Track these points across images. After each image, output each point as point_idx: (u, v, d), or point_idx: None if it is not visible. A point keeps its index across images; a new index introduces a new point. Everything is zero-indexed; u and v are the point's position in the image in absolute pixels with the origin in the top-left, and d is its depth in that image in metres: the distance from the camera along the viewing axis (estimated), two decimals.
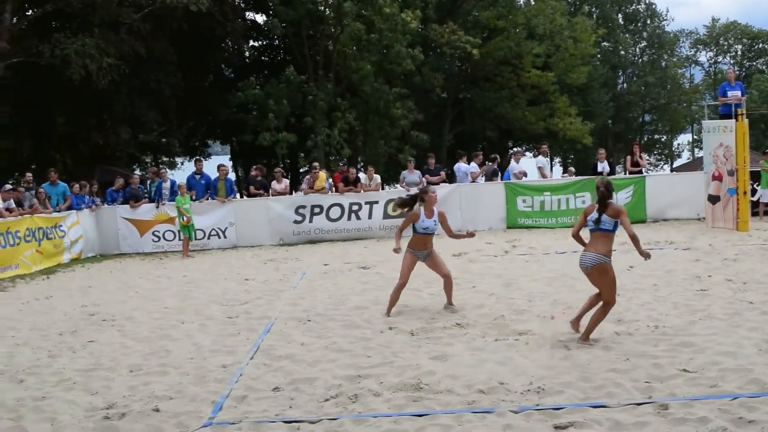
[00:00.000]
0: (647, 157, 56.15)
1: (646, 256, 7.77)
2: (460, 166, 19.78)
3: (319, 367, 7.37)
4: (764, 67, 65.71)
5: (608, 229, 7.66)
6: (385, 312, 9.59)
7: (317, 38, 32.43)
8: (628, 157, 19.88)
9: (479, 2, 39.40)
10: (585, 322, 7.93)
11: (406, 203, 9.85)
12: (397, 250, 9.55)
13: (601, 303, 7.82)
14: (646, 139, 59.43)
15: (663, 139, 62.22)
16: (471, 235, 9.84)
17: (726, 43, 69.29)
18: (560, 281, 11.20)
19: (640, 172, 19.50)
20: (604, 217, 7.62)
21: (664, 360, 6.94)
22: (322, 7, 31.94)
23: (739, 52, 69.57)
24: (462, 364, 7.17)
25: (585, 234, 7.91)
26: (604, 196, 7.63)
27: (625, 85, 57.09)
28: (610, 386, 6.32)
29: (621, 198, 18.09)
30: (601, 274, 7.71)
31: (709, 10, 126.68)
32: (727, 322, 8.20)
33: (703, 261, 12.45)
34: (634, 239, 7.65)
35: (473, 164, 19.91)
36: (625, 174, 20.08)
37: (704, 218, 17.50)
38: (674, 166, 61.30)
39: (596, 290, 7.96)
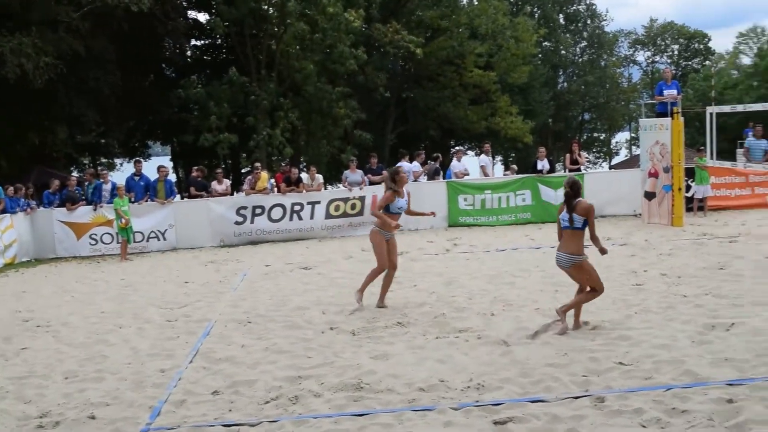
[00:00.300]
0: (586, 155, 57.05)
1: (603, 252, 8.07)
2: (403, 165, 19.83)
3: (259, 369, 7.31)
4: (699, 67, 67.36)
5: (579, 228, 7.89)
6: (358, 293, 9.74)
7: (260, 37, 32.21)
8: (568, 155, 20.15)
9: (423, 2, 39.61)
10: (585, 317, 8.22)
11: (389, 185, 9.84)
12: (397, 226, 9.76)
13: (589, 288, 8.09)
14: (585, 137, 60.50)
15: (602, 137, 63.42)
16: (432, 214, 10.45)
17: (663, 43, 70.97)
18: (500, 278, 11.30)
19: (579, 169, 19.77)
20: (575, 215, 7.85)
21: (601, 354, 7.05)
22: (266, 6, 31.72)
23: (676, 52, 71.27)
24: (403, 362, 7.18)
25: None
26: (569, 195, 7.93)
27: (565, 84, 57.98)
28: (548, 381, 6.40)
29: (560, 195, 18.26)
30: (578, 271, 7.98)
31: (648, 11, 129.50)
32: (661, 315, 8.37)
33: (639, 256, 12.69)
34: (594, 238, 7.90)
35: (415, 163, 19.97)
36: (565, 172, 20.35)
37: (641, 214, 17.84)
38: (612, 163, 62.51)
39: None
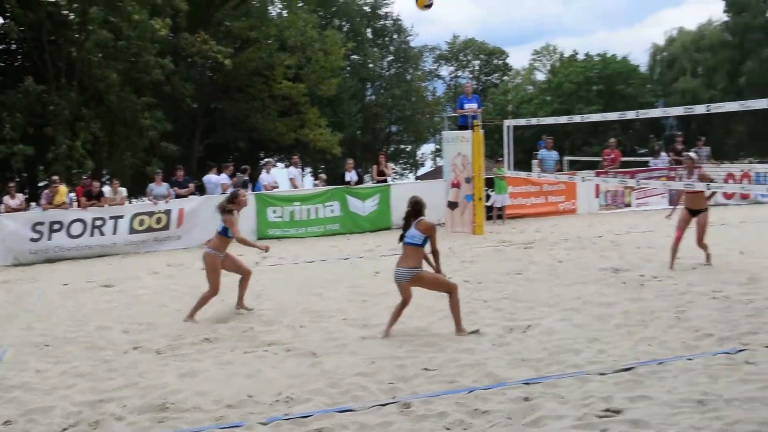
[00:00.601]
0: (393, 166, 58.57)
1: (437, 271, 8.34)
2: (210, 178, 19.52)
3: (56, 394, 6.89)
4: (498, 82, 70.94)
5: (417, 244, 8.05)
6: (188, 318, 9.57)
7: (60, 44, 30.51)
8: (375, 167, 20.59)
9: (231, 12, 39.09)
10: (398, 327, 8.34)
11: (228, 207, 9.79)
12: (267, 248, 10.04)
13: (448, 296, 8.22)
14: (392, 148, 61.92)
15: (408, 149, 65.14)
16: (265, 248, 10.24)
17: (465, 58, 74.09)
18: (309, 290, 11.35)
19: (386, 181, 20.27)
20: (413, 231, 8.03)
21: (407, 361, 7.22)
22: (66, 11, 30.10)
23: (477, 67, 74.64)
24: (210, 379, 7.03)
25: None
26: (410, 214, 8.12)
27: (373, 96, 59.11)
28: (356, 390, 6.47)
29: (368, 206, 18.72)
30: (420, 282, 8.18)
31: (451, 28, 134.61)
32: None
33: (443, 264, 13.06)
34: (436, 254, 8.23)
35: (224, 175, 19.70)
36: (373, 183, 20.77)
37: (444, 223, 18.52)
38: (418, 174, 64.44)
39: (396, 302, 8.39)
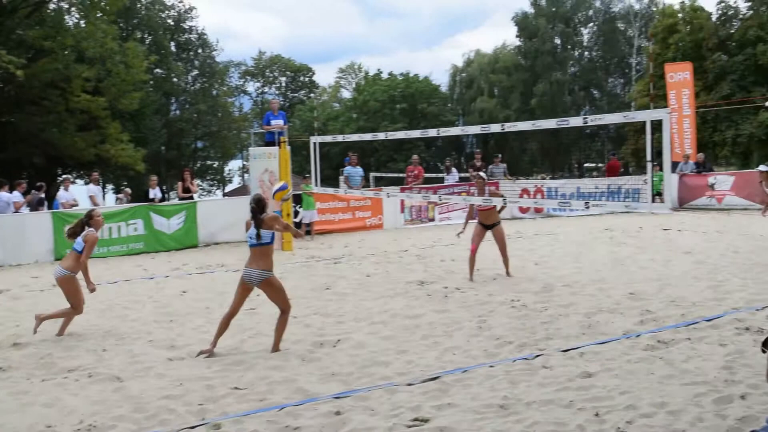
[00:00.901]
0: (200, 183, 57.52)
1: (298, 235, 8.90)
2: (2, 196, 18.29)
3: None
4: (305, 99, 71.53)
5: (268, 242, 8.01)
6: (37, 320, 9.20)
7: None
8: (180, 183, 20.13)
9: (25, 20, 36.89)
10: (224, 342, 8.22)
11: (76, 230, 9.60)
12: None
13: (280, 313, 8.19)
14: (199, 165, 60.79)
15: (215, 165, 64.22)
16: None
17: (272, 74, 74.16)
18: (112, 312, 10.88)
19: (192, 197, 19.86)
20: (263, 231, 7.93)
21: (216, 380, 7.09)
22: None
23: (284, 84, 74.92)
24: (4, 411, 6.55)
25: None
26: (255, 210, 7.99)
27: (178, 111, 57.81)
28: (163, 413, 6.26)
29: (173, 224, 18.24)
30: (268, 286, 8.06)
31: (257, 43, 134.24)
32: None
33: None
34: (294, 232, 8.93)
35: (16, 193, 18.54)
36: (178, 200, 20.28)
37: None
38: (226, 190, 63.65)
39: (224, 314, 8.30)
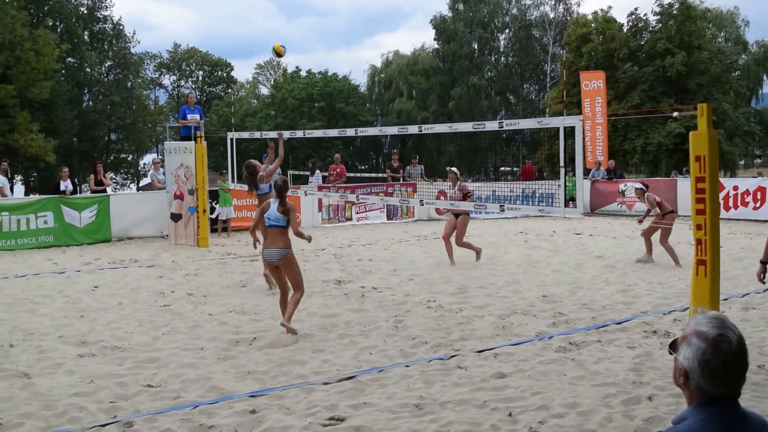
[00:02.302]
0: (113, 176, 56.15)
1: (308, 239, 8.79)
2: None
3: None
4: (223, 94, 70.58)
5: (284, 226, 8.40)
6: None
7: None
8: (92, 176, 19.65)
9: None
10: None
11: None
12: None
13: (292, 294, 8.45)
14: (112, 158, 59.27)
15: (129, 159, 62.74)
16: None
17: (188, 68, 72.87)
18: (20, 306, 10.50)
19: (105, 190, 19.41)
20: (276, 213, 8.35)
21: (129, 378, 6.95)
22: None
23: (200, 78, 73.71)
24: None
25: None
26: (281, 191, 8.39)
27: (91, 103, 56.25)
28: (74, 411, 6.10)
29: (85, 217, 17.78)
30: (288, 264, 8.38)
31: (173, 36, 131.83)
32: (188, 334, 8.57)
33: (166, 277, 12.85)
34: (298, 234, 8.61)
35: None
36: (90, 192, 19.79)
37: (168, 236, 18.10)
38: (140, 185, 62.29)
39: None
